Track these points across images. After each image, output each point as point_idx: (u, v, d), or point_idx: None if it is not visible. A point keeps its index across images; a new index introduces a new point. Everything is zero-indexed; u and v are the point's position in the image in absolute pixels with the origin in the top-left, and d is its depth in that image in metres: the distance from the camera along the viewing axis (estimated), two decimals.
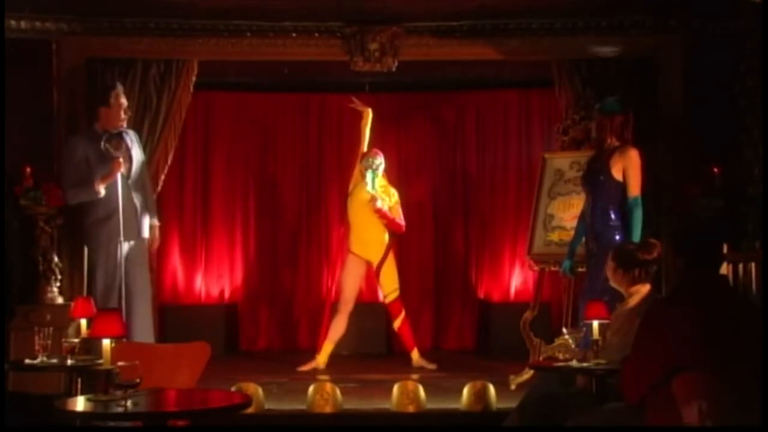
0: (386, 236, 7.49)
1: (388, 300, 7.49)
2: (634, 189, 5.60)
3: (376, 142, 8.60)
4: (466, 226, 9.07)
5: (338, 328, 7.41)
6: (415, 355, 7.44)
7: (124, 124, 6.20)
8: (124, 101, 6.19)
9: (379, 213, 7.38)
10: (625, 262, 4.47)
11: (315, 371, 7.22)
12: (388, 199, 7.49)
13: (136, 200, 6.15)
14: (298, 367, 7.30)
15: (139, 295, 6.15)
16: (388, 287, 7.50)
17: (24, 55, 6.67)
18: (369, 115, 7.57)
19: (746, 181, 6.54)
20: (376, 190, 7.36)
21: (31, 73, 6.74)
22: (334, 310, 7.47)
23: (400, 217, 7.51)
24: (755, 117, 6.41)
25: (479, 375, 6.24)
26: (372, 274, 7.63)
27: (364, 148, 7.54)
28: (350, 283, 7.52)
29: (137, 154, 6.25)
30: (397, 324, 7.48)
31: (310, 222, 9.05)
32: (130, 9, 6.74)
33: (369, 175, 7.36)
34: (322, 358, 7.36)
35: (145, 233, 6.23)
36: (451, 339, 8.84)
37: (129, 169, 6.11)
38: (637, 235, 5.37)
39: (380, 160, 7.44)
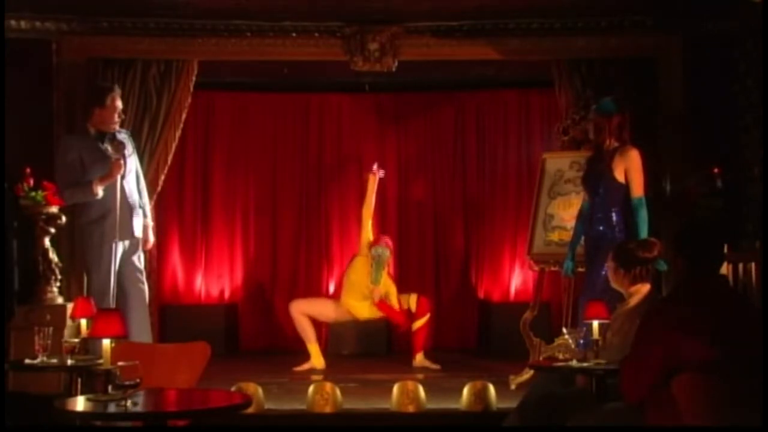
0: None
1: (413, 307, 7.50)
2: (637, 189, 5.60)
3: (376, 142, 8.62)
4: (466, 226, 9.07)
5: (307, 328, 7.44)
6: (419, 356, 7.44)
7: (117, 127, 6.18)
8: (119, 104, 6.16)
9: (379, 306, 7.49)
10: (625, 260, 4.47)
11: (313, 371, 7.23)
12: (388, 288, 7.57)
13: (131, 200, 6.15)
14: (295, 367, 7.30)
15: (135, 295, 6.14)
16: (403, 303, 7.55)
17: (24, 55, 6.67)
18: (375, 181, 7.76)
19: (746, 181, 6.54)
20: (378, 283, 7.46)
21: (31, 73, 6.74)
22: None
23: (397, 307, 7.55)
24: (755, 117, 6.41)
25: (479, 375, 6.25)
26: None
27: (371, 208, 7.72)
28: (324, 312, 7.66)
29: (131, 153, 6.24)
30: (418, 324, 7.47)
31: (310, 222, 9.05)
32: (130, 9, 6.74)
33: (375, 267, 7.46)
34: (316, 360, 7.38)
35: (139, 233, 6.23)
36: (451, 339, 8.83)
37: (124, 170, 6.10)
38: (644, 235, 5.35)
39: (389, 253, 7.56)
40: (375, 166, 7.81)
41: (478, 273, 9.03)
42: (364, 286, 7.52)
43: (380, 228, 8.33)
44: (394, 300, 7.55)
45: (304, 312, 7.50)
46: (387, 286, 7.56)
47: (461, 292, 8.99)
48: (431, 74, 8.07)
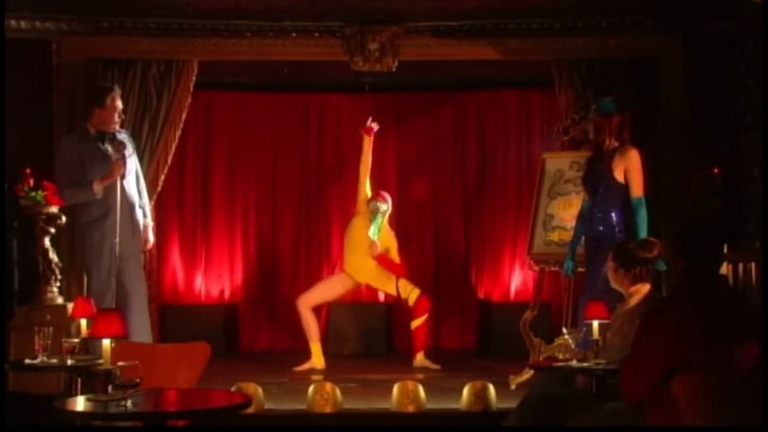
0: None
1: (411, 301, 7.50)
2: (637, 189, 5.60)
3: (376, 142, 8.59)
4: (466, 226, 9.07)
5: (312, 326, 7.44)
6: (419, 356, 7.44)
7: (117, 127, 6.18)
8: (119, 104, 6.15)
9: (378, 259, 7.48)
10: (625, 260, 4.47)
11: (313, 371, 7.23)
12: (388, 243, 7.56)
13: (131, 199, 6.15)
14: (294, 367, 7.30)
15: (135, 294, 6.13)
16: (405, 291, 7.53)
17: (24, 55, 6.67)
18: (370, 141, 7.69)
19: (746, 181, 6.55)
20: (378, 237, 7.44)
21: (31, 73, 6.74)
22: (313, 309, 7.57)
23: (398, 261, 7.58)
24: (755, 117, 6.41)
25: (479, 375, 6.25)
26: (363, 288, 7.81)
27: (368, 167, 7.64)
28: (329, 292, 7.68)
29: (131, 153, 6.24)
30: (416, 323, 7.47)
31: (310, 222, 9.05)
32: (130, 9, 6.75)
33: (375, 222, 7.44)
34: (316, 360, 7.38)
35: (139, 233, 6.23)
36: (451, 339, 8.83)
37: (124, 170, 6.09)
38: (644, 235, 5.35)
39: (386, 206, 7.54)
40: (369, 121, 7.70)
41: (478, 273, 9.03)
42: (365, 244, 7.48)
43: None
44: (394, 254, 7.56)
45: (312, 304, 7.50)
46: (387, 240, 7.55)
47: (461, 292, 8.98)
48: (431, 74, 8.07)
